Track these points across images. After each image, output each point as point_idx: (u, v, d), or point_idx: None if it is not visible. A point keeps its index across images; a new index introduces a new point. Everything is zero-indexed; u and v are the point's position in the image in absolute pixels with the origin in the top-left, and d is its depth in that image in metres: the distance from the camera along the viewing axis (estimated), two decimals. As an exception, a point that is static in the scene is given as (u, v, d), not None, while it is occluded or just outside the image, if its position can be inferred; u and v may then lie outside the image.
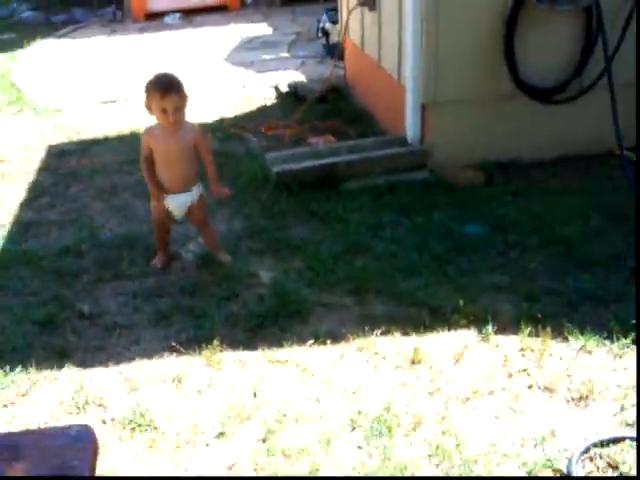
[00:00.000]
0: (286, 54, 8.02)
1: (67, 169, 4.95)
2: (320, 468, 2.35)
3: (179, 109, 3.34)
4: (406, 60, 4.43)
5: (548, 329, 2.98)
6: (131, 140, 5.45)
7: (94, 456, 1.61)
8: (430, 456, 2.40)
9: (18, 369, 2.88)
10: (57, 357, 2.97)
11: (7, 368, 2.89)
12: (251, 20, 9.96)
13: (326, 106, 5.93)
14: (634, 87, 4.38)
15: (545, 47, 4.37)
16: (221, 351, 2.95)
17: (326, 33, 7.54)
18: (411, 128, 4.54)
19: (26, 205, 4.43)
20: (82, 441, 1.63)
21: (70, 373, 2.88)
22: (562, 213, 4.00)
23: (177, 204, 3.57)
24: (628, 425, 2.53)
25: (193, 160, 3.50)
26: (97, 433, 2.42)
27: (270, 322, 3.14)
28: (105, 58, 8.30)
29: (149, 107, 3.38)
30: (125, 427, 2.57)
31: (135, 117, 5.93)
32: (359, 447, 2.46)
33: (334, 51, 7.17)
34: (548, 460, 2.38)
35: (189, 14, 10.34)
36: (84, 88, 6.97)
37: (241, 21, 9.91)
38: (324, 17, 7.61)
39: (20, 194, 4.58)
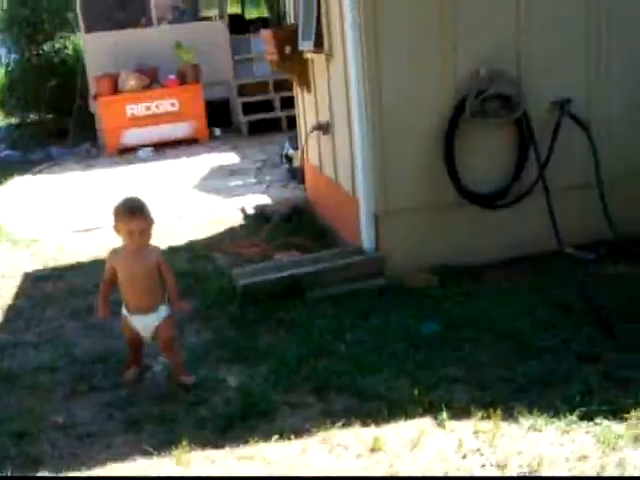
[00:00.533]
0: (253, 180, 8.46)
1: (43, 293, 5.18)
2: None
3: (144, 231, 3.56)
4: (357, 176, 4.81)
5: (499, 412, 3.17)
6: (103, 264, 5.72)
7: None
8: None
9: (-6, 478, 3.01)
10: (32, 465, 3.09)
11: (-17, 478, 3.01)
12: (220, 150, 10.50)
13: (290, 225, 6.28)
14: (573, 190, 4.81)
15: (483, 156, 4.78)
16: (190, 451, 3.09)
17: (289, 159, 8.02)
18: (366, 238, 4.85)
19: (2, 329, 4.62)
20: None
21: (44, 480, 3.00)
22: (512, 309, 4.25)
23: (144, 324, 3.70)
24: (575, 492, 2.70)
25: (157, 281, 3.66)
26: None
27: (237, 422, 3.30)
28: (80, 190, 8.70)
29: (117, 229, 3.62)
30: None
31: (108, 243, 6.19)
32: (321, 530, 2.59)
33: (297, 175, 7.64)
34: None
35: (161, 147, 10.86)
36: (60, 218, 7.30)
37: (211, 151, 10.45)
38: (287, 144, 8.12)
39: (-3, 319, 4.79)
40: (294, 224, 6.29)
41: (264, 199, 7.38)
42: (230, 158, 9.89)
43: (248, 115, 11.61)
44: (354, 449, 3.06)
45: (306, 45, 5.57)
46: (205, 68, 11.30)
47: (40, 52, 12.17)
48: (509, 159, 4.81)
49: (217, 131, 11.76)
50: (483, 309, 4.29)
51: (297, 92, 6.75)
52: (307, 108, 6.39)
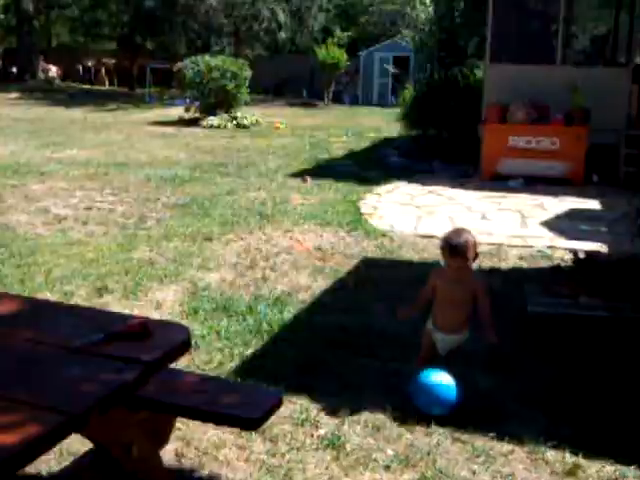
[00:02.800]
0: (604, 229, 8.47)
1: (366, 276, 6.10)
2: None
3: (462, 268, 3.78)
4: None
5: None
6: (427, 267, 6.47)
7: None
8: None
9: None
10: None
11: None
12: (588, 196, 10.52)
13: (615, 276, 6.32)
14: None
15: None
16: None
17: (642, 214, 7.89)
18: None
19: (329, 292, 5.64)
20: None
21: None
22: None
23: (444, 343, 3.95)
24: None
25: (469, 306, 3.88)
26: None
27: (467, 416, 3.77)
28: (439, 202, 9.58)
29: (442, 254, 3.87)
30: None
31: (438, 252, 6.97)
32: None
33: (649, 232, 7.52)
34: None
35: (532, 182, 11.25)
36: (411, 222, 8.23)
37: (578, 195, 10.53)
38: (646, 200, 7.99)
39: (328, 284, 5.82)
40: (619, 276, 6.32)
41: (603, 248, 7.44)
42: (593, 204, 9.93)
43: (630, 166, 11.39)
44: (554, 466, 3.33)
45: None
46: (596, 113, 11.37)
47: (448, 74, 13.37)
48: None
49: (595, 177, 11.73)
50: None
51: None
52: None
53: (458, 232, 3.88)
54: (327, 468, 3.21)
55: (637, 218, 8.11)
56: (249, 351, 4.47)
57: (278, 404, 2.51)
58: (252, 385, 3.18)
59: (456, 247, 3.75)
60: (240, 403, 2.45)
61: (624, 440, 3.53)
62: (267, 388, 3.22)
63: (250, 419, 2.38)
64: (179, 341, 2.39)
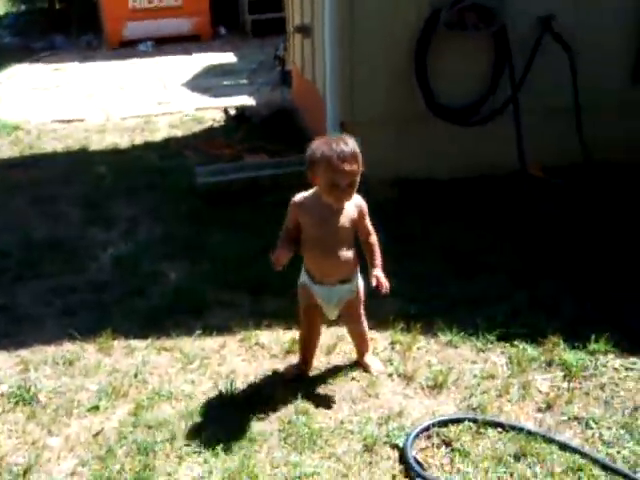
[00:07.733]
0: (244, 81, 8.35)
1: (13, 180, 5.23)
2: (176, 437, 2.59)
3: (353, 184, 2.67)
4: (326, 81, 4.74)
5: (419, 326, 3.23)
6: (77, 155, 5.78)
7: None
8: (280, 430, 2.64)
9: None
10: (-35, 340, 3.22)
11: None
12: (221, 50, 10.33)
13: (270, 128, 6.23)
14: (549, 112, 4.71)
15: (457, 70, 4.65)
16: (114, 339, 3.20)
17: (282, 61, 7.87)
18: (331, 146, 4.81)
19: (-33, 213, 4.72)
20: None
21: (-28, 355, 3.13)
22: (463, 229, 4.25)
23: (329, 298, 2.89)
24: (473, 409, 2.77)
25: (353, 244, 2.84)
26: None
27: (165, 315, 3.39)
28: (72, 81, 8.64)
29: (313, 177, 2.69)
30: (10, 401, 2.81)
31: (86, 135, 6.28)
32: (217, 421, 2.70)
33: (288, 78, 7.52)
34: (387, 436, 2.61)
35: (162, 43, 10.69)
36: (45, 108, 7.29)
37: (211, 50, 10.28)
38: (281, 46, 7.94)
39: (-37, 202, 4.87)
40: (273, 127, 6.24)
41: (250, 101, 7.32)
42: (228, 58, 9.75)
43: (254, 14, 11.33)
44: (271, 350, 3.14)
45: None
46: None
47: None
48: (485, 74, 4.69)
49: (222, 30, 11.54)
50: (436, 226, 4.29)
51: (287, -8, 6.59)
52: (295, 9, 6.24)
53: (340, 138, 2.67)
54: (24, 432, 2.65)
55: (276, 65, 8.06)
56: None
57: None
58: None
59: (347, 153, 2.59)
60: None
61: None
62: None
63: None
64: None
